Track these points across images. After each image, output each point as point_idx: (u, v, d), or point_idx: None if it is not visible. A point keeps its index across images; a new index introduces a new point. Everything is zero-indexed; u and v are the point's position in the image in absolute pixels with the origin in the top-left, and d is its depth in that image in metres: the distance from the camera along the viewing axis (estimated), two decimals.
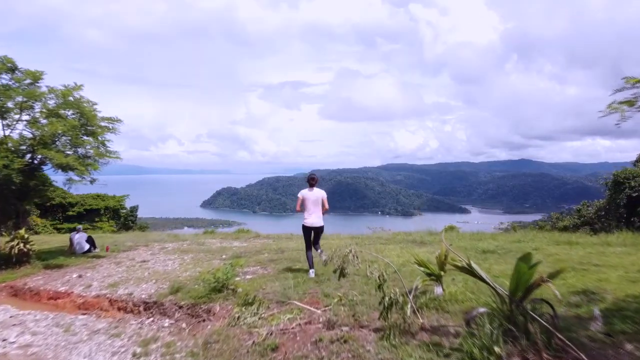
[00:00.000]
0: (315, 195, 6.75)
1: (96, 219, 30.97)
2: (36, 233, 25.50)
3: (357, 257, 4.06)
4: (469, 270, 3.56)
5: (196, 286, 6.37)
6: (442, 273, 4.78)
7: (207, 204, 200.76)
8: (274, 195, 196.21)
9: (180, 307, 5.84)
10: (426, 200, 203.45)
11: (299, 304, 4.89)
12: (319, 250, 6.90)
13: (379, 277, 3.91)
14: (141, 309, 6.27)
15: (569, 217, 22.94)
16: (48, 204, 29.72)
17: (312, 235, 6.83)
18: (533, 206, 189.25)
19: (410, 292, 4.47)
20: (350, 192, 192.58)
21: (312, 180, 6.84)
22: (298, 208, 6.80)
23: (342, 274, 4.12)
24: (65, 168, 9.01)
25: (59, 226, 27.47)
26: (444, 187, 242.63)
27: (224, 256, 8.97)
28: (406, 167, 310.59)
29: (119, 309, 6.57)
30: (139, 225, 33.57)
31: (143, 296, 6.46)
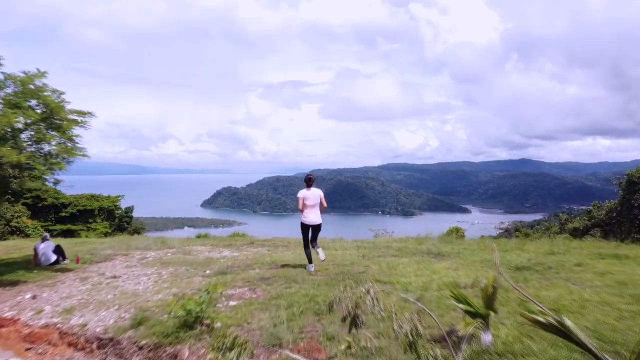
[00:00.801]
0: (314, 195, 7.17)
1: (90, 220, 29.64)
2: (26, 235, 24.12)
3: (377, 300, 2.73)
4: (561, 331, 2.24)
5: (165, 316, 5.04)
6: (492, 313, 3.45)
7: (207, 204, 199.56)
8: (274, 194, 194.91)
9: (141, 348, 4.51)
10: (426, 199, 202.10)
11: (293, 355, 3.56)
12: (317, 248, 7.19)
13: (410, 332, 2.59)
14: (94, 346, 4.93)
15: (579, 218, 21.58)
16: (40, 204, 28.35)
17: (310, 233, 7.21)
18: (533, 206, 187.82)
19: (448, 336, 3.17)
20: (351, 192, 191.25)
21: (309, 181, 7.27)
22: (300, 207, 7.13)
23: (355, 323, 2.79)
24: (21, 168, 7.67)
25: (51, 228, 26.14)
26: (444, 187, 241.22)
27: (207, 271, 7.62)
28: (406, 167, 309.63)
29: (69, 344, 5.22)
30: (134, 226, 32.18)
31: (98, 329, 5.12)
